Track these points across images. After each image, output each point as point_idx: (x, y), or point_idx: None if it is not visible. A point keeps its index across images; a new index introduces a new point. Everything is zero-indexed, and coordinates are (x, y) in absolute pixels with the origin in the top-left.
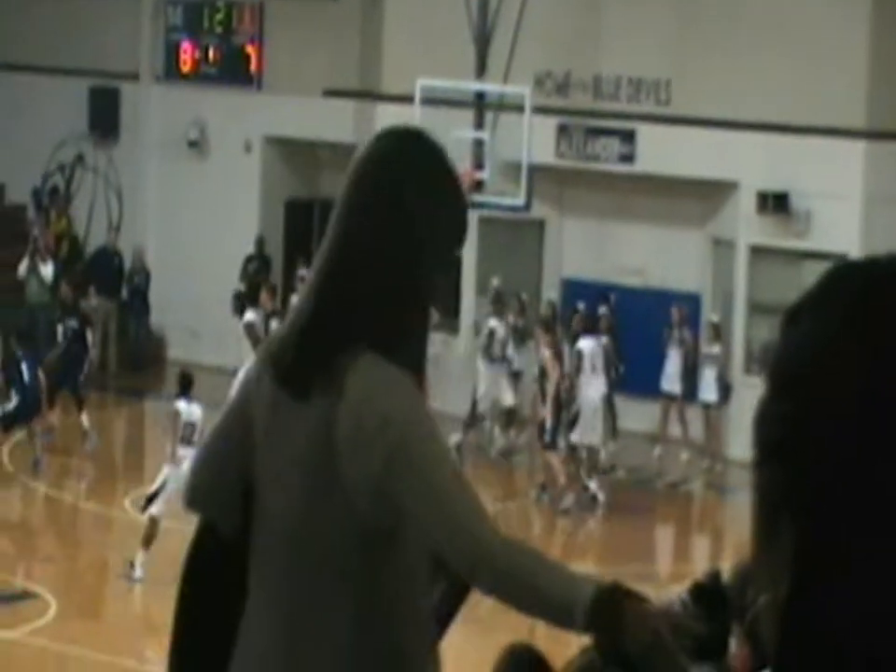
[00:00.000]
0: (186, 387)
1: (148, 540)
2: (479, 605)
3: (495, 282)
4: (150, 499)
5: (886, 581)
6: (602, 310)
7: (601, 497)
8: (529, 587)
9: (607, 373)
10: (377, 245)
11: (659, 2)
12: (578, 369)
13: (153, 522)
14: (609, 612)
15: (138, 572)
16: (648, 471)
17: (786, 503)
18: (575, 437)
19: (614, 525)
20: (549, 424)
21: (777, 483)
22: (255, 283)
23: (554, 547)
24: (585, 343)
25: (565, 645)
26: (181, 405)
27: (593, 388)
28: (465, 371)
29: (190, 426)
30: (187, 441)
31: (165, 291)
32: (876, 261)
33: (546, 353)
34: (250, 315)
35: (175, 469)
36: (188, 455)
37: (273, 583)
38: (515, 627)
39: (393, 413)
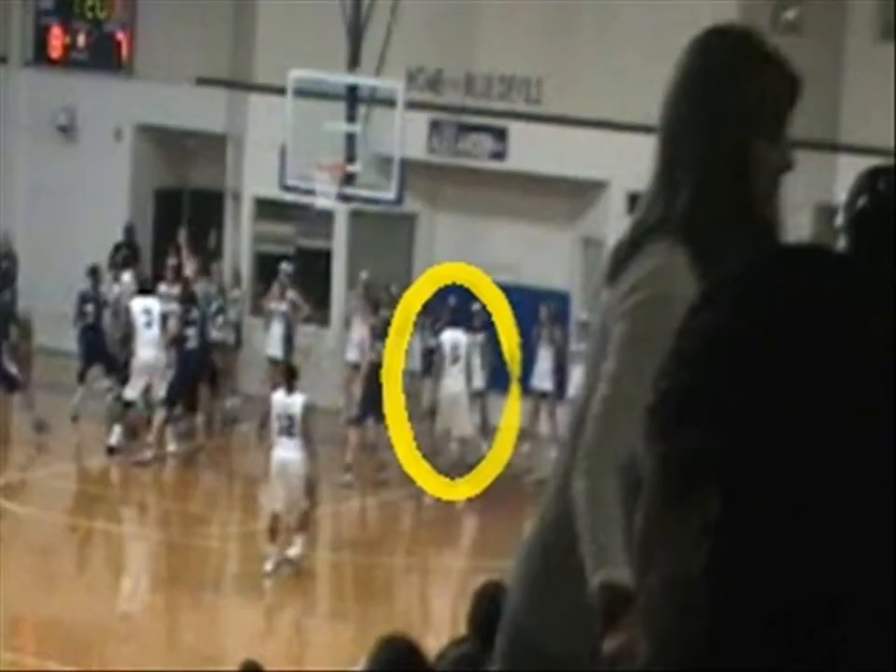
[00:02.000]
0: (289, 379)
1: None
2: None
3: (364, 275)
4: None
5: (814, 541)
6: (476, 307)
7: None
8: (576, 520)
9: (467, 368)
10: (698, 132)
11: (532, 1)
12: (438, 360)
13: None
14: (602, 611)
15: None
16: (517, 468)
17: (702, 470)
18: (438, 427)
19: (482, 521)
20: (358, 399)
21: (691, 450)
22: (122, 271)
23: (423, 539)
24: (448, 335)
25: (438, 637)
26: (277, 396)
27: (452, 380)
28: (333, 363)
29: (288, 417)
30: (285, 432)
31: (33, 277)
32: (795, 248)
33: (364, 331)
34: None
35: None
36: (285, 445)
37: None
38: (378, 620)
39: (639, 284)
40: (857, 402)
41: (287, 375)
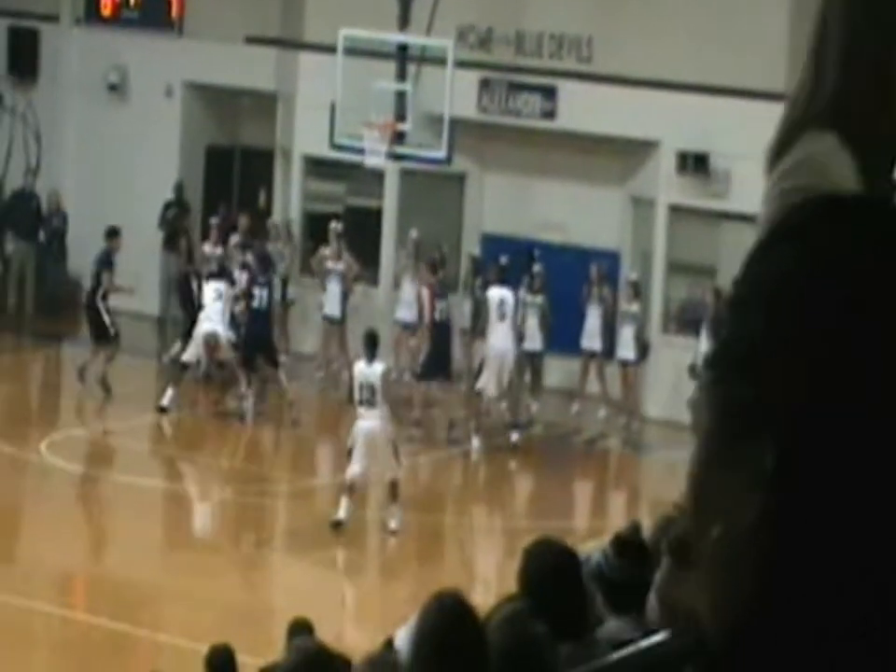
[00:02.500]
0: (370, 348)
1: None
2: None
3: (413, 234)
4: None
5: (866, 494)
6: (536, 268)
7: (474, 453)
8: None
9: (516, 327)
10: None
11: None
12: (484, 317)
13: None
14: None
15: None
16: (566, 427)
17: (755, 422)
18: (480, 384)
19: (531, 480)
20: (423, 357)
21: (743, 401)
22: (174, 229)
23: (469, 497)
24: (495, 292)
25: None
26: (359, 366)
27: (497, 337)
28: (382, 322)
29: (369, 387)
30: (366, 402)
31: (83, 235)
32: (841, 198)
33: (424, 291)
34: None
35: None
36: (368, 415)
37: None
38: (427, 579)
39: (786, 174)
40: None
41: (369, 344)
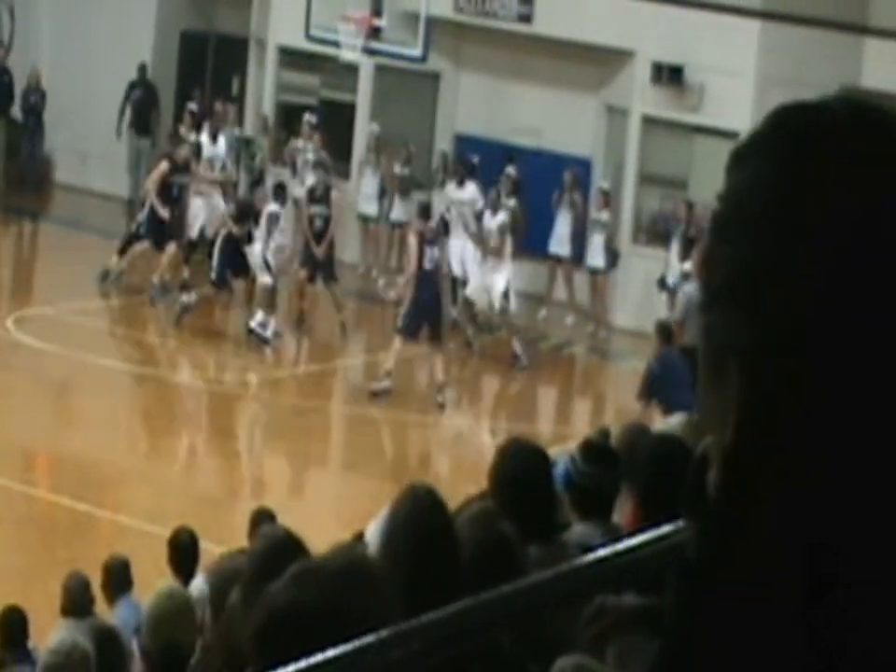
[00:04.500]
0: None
1: None
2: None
3: (374, 128)
4: None
5: (833, 442)
6: (509, 170)
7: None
8: None
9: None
10: None
11: None
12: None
13: None
14: None
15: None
16: (533, 332)
17: (732, 347)
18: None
19: (497, 384)
20: (405, 309)
21: (725, 326)
22: (138, 110)
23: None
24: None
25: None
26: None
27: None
28: (352, 215)
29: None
30: None
31: (55, 114)
32: (824, 102)
33: (412, 237)
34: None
35: None
36: None
37: None
38: (394, 474)
39: None
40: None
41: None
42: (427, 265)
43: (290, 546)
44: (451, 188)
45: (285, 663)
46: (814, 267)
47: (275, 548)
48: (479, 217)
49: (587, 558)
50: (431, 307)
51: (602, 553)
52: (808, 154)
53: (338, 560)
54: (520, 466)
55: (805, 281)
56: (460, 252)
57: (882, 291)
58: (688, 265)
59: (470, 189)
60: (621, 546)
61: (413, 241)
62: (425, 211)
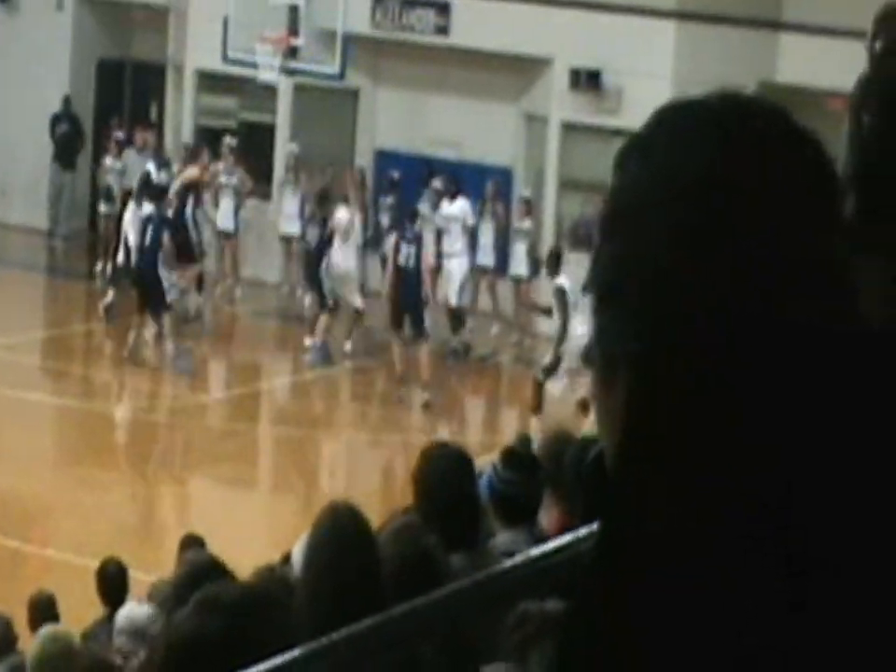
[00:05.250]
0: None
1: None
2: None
3: (293, 148)
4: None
5: (704, 448)
6: (436, 184)
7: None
8: None
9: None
10: None
11: None
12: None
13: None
14: None
15: None
16: (458, 343)
17: (620, 349)
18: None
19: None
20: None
21: (613, 328)
22: (63, 143)
23: (364, 415)
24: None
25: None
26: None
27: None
28: (273, 236)
29: None
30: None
31: None
32: (699, 99)
33: (391, 239)
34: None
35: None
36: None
37: None
38: (320, 494)
39: None
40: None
41: None
42: (402, 262)
43: (210, 572)
44: (444, 204)
45: None
46: (693, 268)
47: (194, 574)
48: (473, 232)
49: (506, 564)
50: (410, 301)
51: (521, 558)
52: (683, 153)
53: (238, 588)
54: (444, 468)
55: (687, 283)
56: (459, 277)
57: (762, 290)
58: None
59: (460, 205)
60: (539, 550)
61: (391, 241)
62: (412, 216)
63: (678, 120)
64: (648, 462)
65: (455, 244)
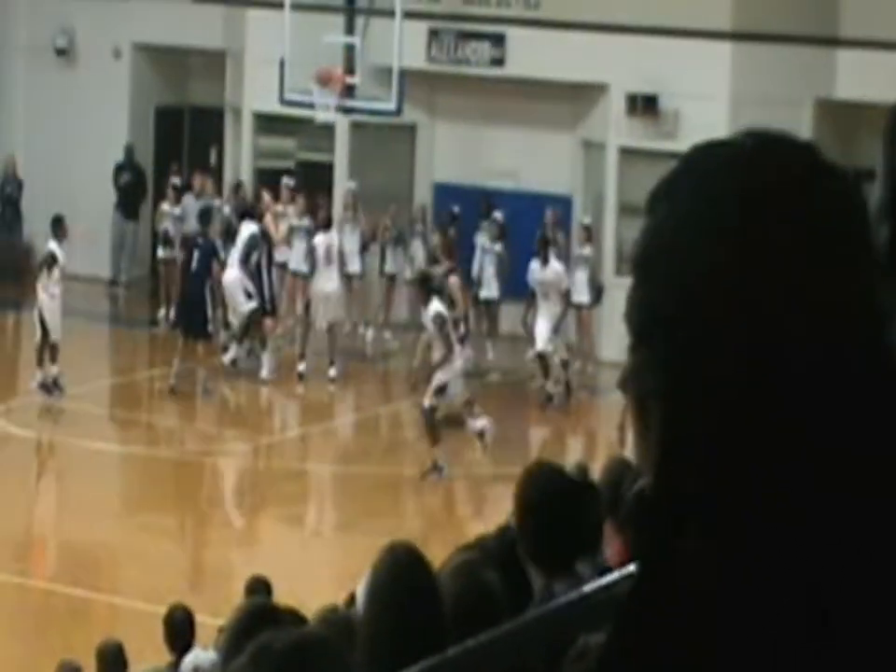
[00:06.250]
0: (425, 293)
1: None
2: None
3: (351, 185)
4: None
5: (736, 475)
6: (497, 215)
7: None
8: None
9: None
10: None
11: None
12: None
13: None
14: None
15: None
16: (521, 373)
17: (650, 389)
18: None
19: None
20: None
21: (647, 367)
22: (126, 192)
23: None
24: (321, 239)
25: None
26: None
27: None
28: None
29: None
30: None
31: (35, 201)
32: (725, 140)
33: (453, 279)
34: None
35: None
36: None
37: None
38: (388, 531)
39: None
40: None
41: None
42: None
43: (262, 618)
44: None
45: None
46: (722, 309)
47: (247, 621)
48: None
49: (567, 597)
50: None
51: (582, 590)
52: (708, 196)
53: (291, 634)
54: (541, 491)
55: (713, 326)
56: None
57: (790, 328)
58: None
59: (554, 268)
60: (596, 584)
61: (455, 281)
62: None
63: (703, 163)
64: (680, 499)
65: (555, 307)
